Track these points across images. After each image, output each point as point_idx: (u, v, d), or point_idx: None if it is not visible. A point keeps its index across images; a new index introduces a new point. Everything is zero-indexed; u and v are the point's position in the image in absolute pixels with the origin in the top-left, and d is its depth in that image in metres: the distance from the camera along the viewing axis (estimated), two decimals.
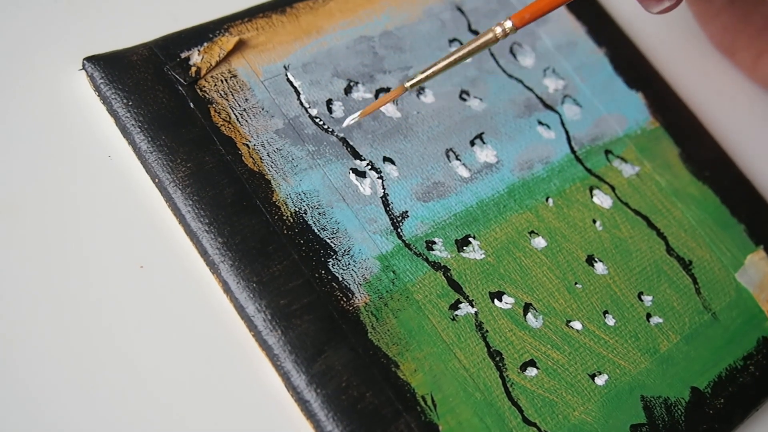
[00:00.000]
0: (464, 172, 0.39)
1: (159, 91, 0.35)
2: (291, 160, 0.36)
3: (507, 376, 0.34)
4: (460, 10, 0.43)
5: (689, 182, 0.44)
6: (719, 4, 0.47)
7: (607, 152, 0.43)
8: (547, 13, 0.35)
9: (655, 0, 0.36)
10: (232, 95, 0.36)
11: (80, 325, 0.31)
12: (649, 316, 0.39)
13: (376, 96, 0.39)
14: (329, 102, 0.38)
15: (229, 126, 0.35)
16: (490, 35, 0.35)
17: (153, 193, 0.34)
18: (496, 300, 0.36)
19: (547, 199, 0.40)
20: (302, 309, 0.33)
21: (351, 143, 0.37)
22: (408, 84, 0.35)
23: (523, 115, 0.42)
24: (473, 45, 0.35)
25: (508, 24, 0.35)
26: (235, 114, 0.36)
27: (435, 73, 0.35)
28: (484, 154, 0.40)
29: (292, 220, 0.34)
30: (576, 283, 0.38)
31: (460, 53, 0.35)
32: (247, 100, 0.36)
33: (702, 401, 0.37)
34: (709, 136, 0.46)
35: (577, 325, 0.37)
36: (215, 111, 0.35)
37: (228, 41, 0.37)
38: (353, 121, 0.36)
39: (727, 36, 0.48)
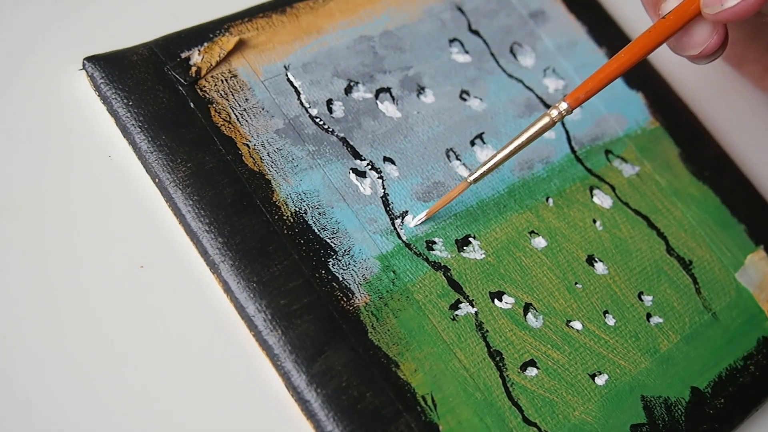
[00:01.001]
0: (465, 172, 0.39)
1: (159, 91, 0.35)
2: (291, 160, 0.36)
3: (507, 376, 0.34)
4: (460, 10, 0.43)
5: (689, 182, 0.44)
6: None
7: (608, 152, 0.43)
8: (600, 90, 0.35)
9: (705, 56, 0.35)
10: (233, 95, 0.36)
11: (80, 325, 0.31)
12: (649, 316, 0.39)
13: (376, 96, 0.39)
14: (329, 102, 0.38)
15: (230, 126, 0.35)
16: (546, 120, 0.35)
17: (153, 193, 0.34)
18: (496, 300, 0.36)
19: (547, 199, 0.40)
20: (302, 309, 0.33)
21: (351, 143, 0.37)
22: (471, 178, 0.35)
23: (523, 115, 0.42)
24: (531, 132, 0.35)
25: (564, 105, 0.35)
26: (235, 114, 0.36)
27: (496, 165, 0.35)
28: (485, 154, 0.40)
29: (292, 220, 0.34)
30: (576, 283, 0.38)
31: (519, 142, 0.35)
32: (247, 100, 0.36)
33: (702, 401, 0.37)
34: (709, 136, 0.46)
35: (577, 325, 0.37)
36: (215, 111, 0.35)
37: (228, 41, 0.37)
38: (420, 222, 0.36)
39: (737, 49, 0.48)
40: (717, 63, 0.50)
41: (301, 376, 0.32)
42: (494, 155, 0.35)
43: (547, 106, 0.43)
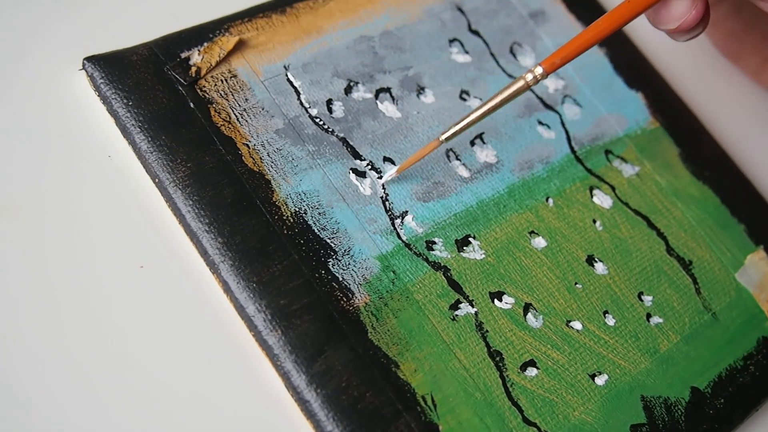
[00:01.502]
0: (464, 172, 0.39)
1: (159, 91, 0.35)
2: (291, 160, 0.36)
3: (507, 376, 0.34)
4: (460, 10, 0.43)
5: (689, 182, 0.44)
6: (725, 10, 0.47)
7: (607, 152, 0.43)
8: (576, 57, 0.35)
9: (683, 31, 0.35)
10: (232, 95, 0.36)
11: (80, 325, 0.31)
12: (649, 316, 0.39)
13: (376, 96, 0.39)
14: (329, 102, 0.38)
15: (229, 126, 0.35)
16: (521, 83, 0.35)
17: (153, 193, 0.34)
18: (496, 300, 0.36)
19: (547, 199, 0.40)
20: (302, 309, 0.33)
21: (351, 143, 0.37)
22: (443, 137, 0.36)
23: (523, 115, 0.42)
24: (505, 94, 0.35)
25: (539, 70, 0.35)
26: (235, 114, 0.36)
27: (469, 125, 0.35)
28: (484, 154, 0.40)
29: (292, 220, 0.34)
30: (576, 283, 0.38)
31: (492, 103, 0.35)
32: (247, 100, 0.36)
33: (702, 401, 0.37)
34: (709, 136, 0.46)
35: (577, 325, 0.37)
36: (215, 111, 0.35)
37: (228, 41, 0.37)
38: (390, 177, 0.37)
39: (733, 42, 0.48)
40: (716, 60, 0.50)
41: (301, 376, 0.32)
42: (467, 115, 0.35)
43: (547, 106, 0.43)
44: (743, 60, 0.49)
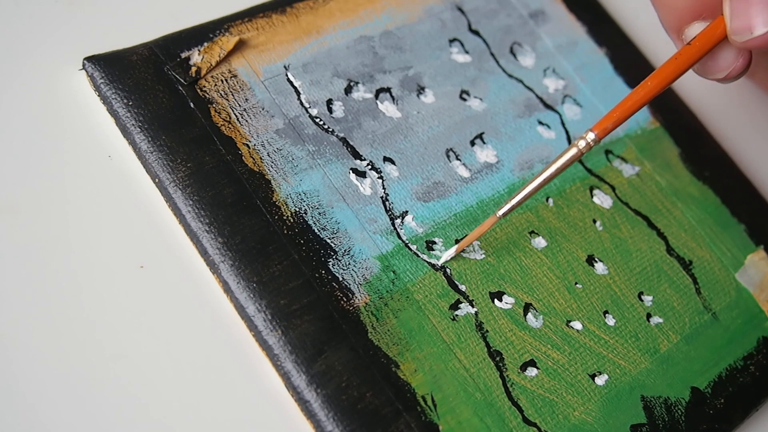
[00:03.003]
0: (464, 172, 0.39)
1: (159, 91, 0.35)
2: (291, 160, 0.36)
3: (507, 376, 0.34)
4: (460, 10, 0.43)
5: (689, 182, 0.44)
6: None
7: (608, 152, 0.43)
8: (627, 119, 0.34)
9: (731, 79, 0.34)
10: (233, 95, 0.36)
11: (80, 325, 0.31)
12: (649, 316, 0.39)
13: (377, 96, 0.39)
14: (329, 102, 0.38)
15: (230, 126, 0.35)
16: (574, 151, 0.34)
17: (153, 193, 0.34)
18: (496, 300, 0.36)
19: (547, 199, 0.40)
20: (302, 309, 0.33)
21: (351, 143, 0.37)
22: (500, 213, 0.35)
23: (523, 115, 0.42)
24: (559, 164, 0.34)
25: (591, 136, 0.33)
26: (235, 114, 0.36)
27: (525, 199, 0.34)
28: (485, 154, 0.40)
29: (292, 220, 0.34)
30: (576, 283, 0.38)
31: (547, 175, 0.34)
32: (247, 99, 0.36)
33: (702, 401, 0.37)
34: (709, 136, 0.46)
35: (577, 325, 0.37)
36: (215, 111, 0.35)
37: (228, 41, 0.37)
38: (450, 258, 0.36)
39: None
40: None
41: (301, 376, 0.32)
42: (522, 188, 0.35)
43: (548, 106, 0.43)
44: (757, 75, 0.48)
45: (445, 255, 0.36)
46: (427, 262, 0.36)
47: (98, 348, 0.31)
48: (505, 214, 0.35)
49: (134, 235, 0.33)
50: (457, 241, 0.37)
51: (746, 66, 0.34)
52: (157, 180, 0.34)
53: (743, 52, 0.34)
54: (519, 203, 0.35)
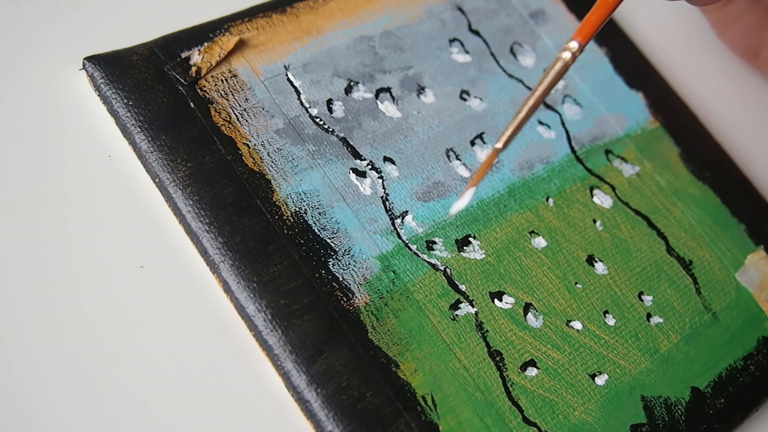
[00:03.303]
0: (464, 172, 0.39)
1: (159, 91, 0.35)
2: (291, 159, 0.36)
3: (507, 376, 0.34)
4: (460, 10, 0.43)
5: (689, 182, 0.44)
6: (740, 5, 0.46)
7: (608, 152, 0.43)
8: (605, 21, 0.32)
9: None
10: (233, 95, 0.36)
11: (80, 325, 0.31)
12: (649, 316, 0.39)
13: (377, 96, 0.39)
14: (329, 102, 0.38)
15: (230, 126, 0.35)
16: (559, 64, 0.32)
17: (153, 193, 0.34)
18: (496, 300, 0.36)
19: (547, 199, 0.40)
20: (302, 309, 0.33)
21: (351, 143, 0.37)
22: (500, 144, 0.32)
23: None
24: (547, 81, 0.32)
25: (573, 44, 0.32)
26: (235, 114, 0.36)
27: (521, 126, 0.32)
28: (485, 154, 0.40)
29: (292, 220, 0.34)
30: (576, 283, 0.38)
31: (537, 95, 0.32)
32: (247, 99, 0.36)
33: (702, 401, 0.37)
34: (709, 136, 0.46)
35: (577, 325, 0.37)
36: (215, 111, 0.35)
37: (228, 41, 0.37)
38: (463, 207, 0.32)
39: (751, 38, 0.46)
40: (723, 62, 0.50)
41: (301, 376, 0.32)
42: (515, 115, 0.32)
43: (547, 106, 0.43)
44: (762, 57, 0.47)
45: (459, 202, 0.32)
46: (427, 262, 0.36)
47: (98, 348, 0.31)
48: (505, 145, 0.32)
49: (134, 235, 0.33)
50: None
51: None
52: (157, 180, 0.34)
53: None
54: (515, 131, 0.32)
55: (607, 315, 0.38)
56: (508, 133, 0.32)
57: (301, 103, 0.37)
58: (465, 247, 0.37)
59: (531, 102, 0.32)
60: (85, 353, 0.31)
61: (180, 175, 0.34)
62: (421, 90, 0.40)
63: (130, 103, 0.34)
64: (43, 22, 0.36)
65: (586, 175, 0.41)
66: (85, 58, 0.35)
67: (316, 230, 0.34)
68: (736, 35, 0.47)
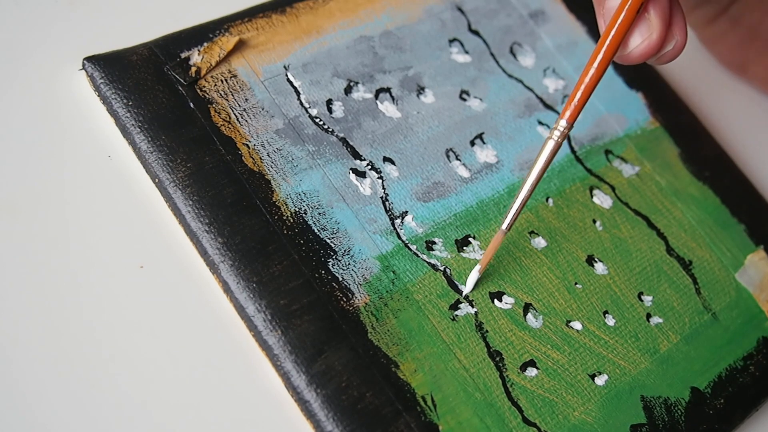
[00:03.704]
0: (464, 172, 0.39)
1: (159, 91, 0.35)
2: (291, 160, 0.36)
3: (507, 376, 0.34)
4: (460, 10, 0.43)
5: (689, 182, 0.44)
6: (724, 25, 0.47)
7: (607, 152, 0.43)
8: (588, 98, 0.34)
9: (650, 57, 0.34)
10: (232, 95, 0.36)
11: (80, 325, 0.31)
12: (649, 316, 0.39)
13: (376, 96, 0.39)
14: (329, 102, 0.38)
15: (229, 126, 0.35)
16: (551, 144, 0.34)
17: (153, 193, 0.34)
18: (496, 300, 0.36)
19: (547, 199, 0.40)
20: (302, 309, 0.33)
21: (351, 143, 0.37)
22: (504, 227, 0.35)
23: (523, 115, 0.42)
24: (542, 162, 0.34)
25: (563, 123, 0.34)
26: (235, 114, 0.36)
27: (523, 205, 0.35)
28: (484, 154, 0.40)
29: (292, 220, 0.34)
30: (576, 283, 0.38)
31: (535, 176, 0.34)
32: (247, 100, 0.36)
33: (702, 401, 0.37)
34: (709, 136, 0.46)
35: (577, 325, 0.37)
36: (215, 111, 0.35)
37: (228, 41, 0.37)
38: (475, 281, 0.35)
39: (737, 54, 0.48)
40: (717, 62, 0.50)
41: (301, 376, 0.32)
42: (516, 197, 0.35)
43: (547, 106, 0.43)
44: (749, 72, 0.49)
45: (468, 283, 0.35)
46: (426, 262, 0.36)
47: (98, 348, 0.31)
48: (509, 227, 0.35)
49: (134, 235, 0.33)
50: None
51: (659, 45, 0.34)
52: (156, 180, 0.34)
53: (651, 32, 0.33)
54: (518, 212, 0.35)
55: (606, 315, 0.38)
56: (512, 214, 0.35)
57: (301, 104, 0.37)
58: (465, 247, 0.37)
59: (530, 182, 0.34)
60: (84, 353, 0.31)
61: (180, 176, 0.34)
62: (420, 90, 0.40)
63: (130, 103, 0.34)
64: (43, 22, 0.36)
65: (586, 175, 0.41)
66: (85, 58, 0.35)
67: (316, 230, 0.34)
68: (723, 51, 0.48)
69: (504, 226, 0.35)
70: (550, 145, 0.34)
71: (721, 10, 0.46)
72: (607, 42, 0.34)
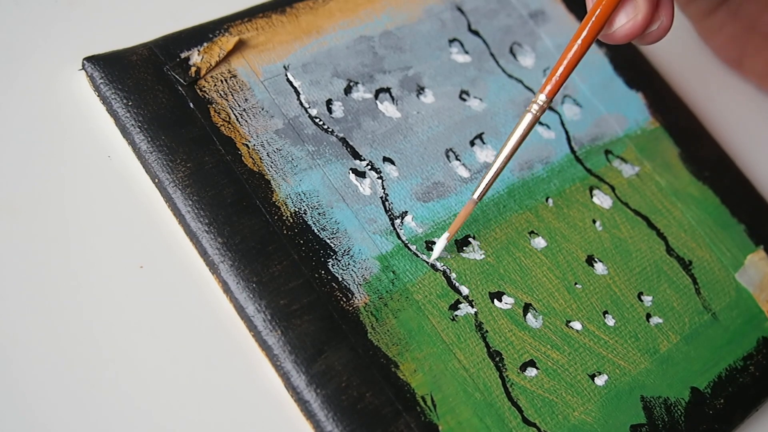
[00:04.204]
0: (464, 172, 0.39)
1: (159, 91, 0.35)
2: (291, 160, 0.36)
3: (507, 376, 0.34)
4: (460, 10, 0.43)
5: (689, 182, 0.44)
6: (722, 17, 0.47)
7: (607, 152, 0.43)
8: (569, 74, 0.34)
9: (634, 37, 0.34)
10: (232, 95, 0.36)
11: (80, 325, 0.31)
12: (649, 316, 0.39)
13: (376, 96, 0.39)
14: (329, 102, 0.38)
15: (229, 126, 0.35)
16: (528, 117, 0.34)
17: (153, 193, 0.34)
18: (495, 300, 0.36)
19: (547, 200, 0.40)
20: (302, 309, 0.33)
21: (351, 143, 0.37)
22: (476, 196, 0.35)
23: None
24: (519, 134, 0.34)
25: (542, 98, 0.34)
26: (234, 114, 0.36)
27: (495, 177, 0.35)
28: (484, 154, 0.40)
29: (292, 220, 0.34)
30: (576, 284, 0.38)
31: (510, 146, 0.34)
32: (246, 100, 0.36)
33: (702, 401, 0.37)
34: (709, 136, 0.46)
35: (577, 325, 0.37)
36: (215, 111, 0.35)
37: (228, 41, 0.37)
38: (439, 253, 0.35)
39: (734, 47, 0.48)
40: (717, 62, 0.50)
41: (301, 377, 0.32)
42: (491, 165, 0.35)
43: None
44: (746, 66, 0.49)
45: (435, 250, 0.36)
46: (426, 262, 0.36)
47: (97, 348, 0.31)
48: (480, 196, 0.35)
49: (134, 235, 0.33)
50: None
51: (643, 27, 0.34)
52: (156, 180, 0.34)
53: (637, 13, 0.34)
54: (491, 182, 0.35)
55: (606, 315, 0.38)
56: (484, 184, 0.35)
57: (301, 104, 0.37)
58: (465, 248, 0.37)
59: (504, 153, 0.35)
60: (84, 353, 0.31)
61: (179, 176, 0.34)
62: (420, 90, 0.40)
63: (130, 103, 0.34)
64: (43, 22, 0.36)
65: (586, 175, 0.41)
66: (85, 59, 0.35)
67: (316, 230, 0.34)
68: (720, 44, 0.48)
69: (475, 196, 0.35)
70: (527, 118, 0.34)
71: (719, 1, 0.46)
72: (592, 20, 0.34)
